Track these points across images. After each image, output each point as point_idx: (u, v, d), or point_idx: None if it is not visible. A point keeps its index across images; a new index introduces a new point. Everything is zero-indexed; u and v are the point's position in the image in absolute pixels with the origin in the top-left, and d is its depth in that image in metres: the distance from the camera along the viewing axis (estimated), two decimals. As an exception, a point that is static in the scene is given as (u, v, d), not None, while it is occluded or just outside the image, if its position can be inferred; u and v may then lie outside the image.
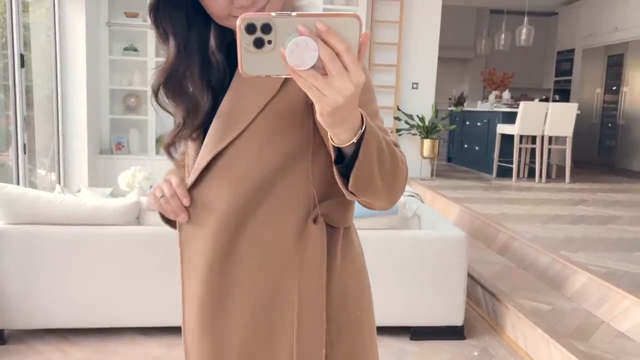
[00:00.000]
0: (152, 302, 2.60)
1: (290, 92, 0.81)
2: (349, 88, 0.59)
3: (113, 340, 2.62)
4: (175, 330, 2.70)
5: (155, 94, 0.87)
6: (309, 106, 0.81)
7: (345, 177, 0.72)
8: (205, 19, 0.85)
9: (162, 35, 0.85)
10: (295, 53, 0.58)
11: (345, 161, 0.71)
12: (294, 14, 0.58)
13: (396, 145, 0.81)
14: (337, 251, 0.88)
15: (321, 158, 0.85)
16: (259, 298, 0.85)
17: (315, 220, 0.85)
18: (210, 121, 0.86)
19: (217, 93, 0.86)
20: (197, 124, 0.87)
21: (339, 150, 0.71)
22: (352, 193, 0.74)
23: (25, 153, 4.09)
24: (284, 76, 0.61)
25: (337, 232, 0.88)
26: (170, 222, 0.96)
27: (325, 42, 0.58)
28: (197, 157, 0.87)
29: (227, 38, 0.87)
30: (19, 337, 2.62)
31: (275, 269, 0.85)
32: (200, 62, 0.86)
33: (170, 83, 0.86)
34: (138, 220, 2.63)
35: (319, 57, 0.58)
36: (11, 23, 3.91)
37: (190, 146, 0.91)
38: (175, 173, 0.98)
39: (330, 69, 0.58)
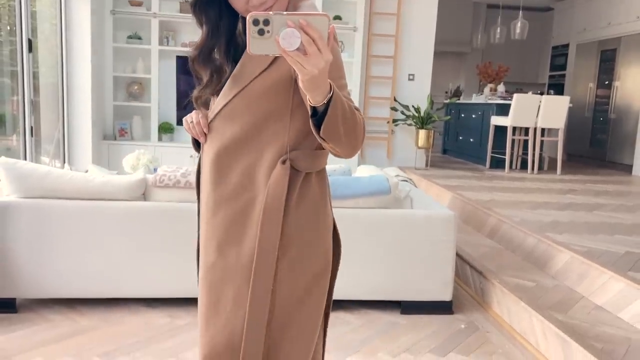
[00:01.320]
0: (156, 274, 2.74)
1: (279, 68, 1.14)
2: (321, 63, 0.90)
3: (119, 310, 2.77)
4: (178, 301, 2.84)
5: (192, 61, 1.22)
6: (292, 79, 1.13)
7: (318, 128, 1.04)
8: (235, 11, 1.19)
9: (199, 21, 1.19)
10: (285, 39, 0.87)
11: (318, 116, 1.03)
12: (285, 13, 0.87)
13: (357, 109, 1.12)
14: (295, 188, 1.18)
15: (296, 117, 1.17)
16: (238, 206, 1.19)
17: (283, 162, 1.17)
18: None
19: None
20: (218, 85, 1.20)
21: (314, 109, 1.03)
22: (322, 139, 1.06)
23: (32, 136, 4.22)
24: (277, 55, 0.90)
25: (299, 175, 1.19)
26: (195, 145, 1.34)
27: (305, 32, 0.87)
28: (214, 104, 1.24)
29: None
30: (30, 306, 2.76)
31: (251, 193, 1.18)
32: (227, 41, 1.21)
33: (201, 55, 1.20)
34: (144, 196, 2.77)
35: (301, 42, 0.87)
36: (20, 10, 4.03)
37: (212, 101, 1.26)
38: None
39: (309, 50, 0.88)
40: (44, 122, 4.97)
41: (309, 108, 1.03)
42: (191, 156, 5.57)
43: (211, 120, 1.23)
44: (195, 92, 1.26)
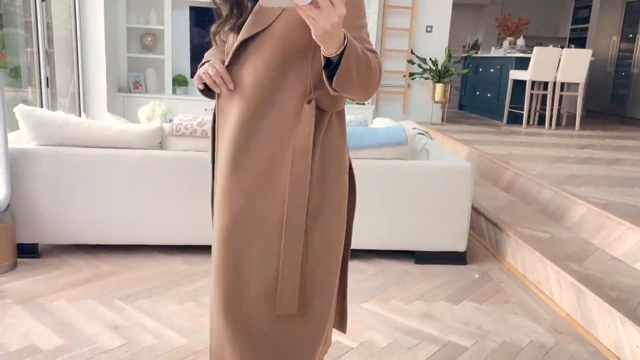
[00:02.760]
0: (173, 221, 2.78)
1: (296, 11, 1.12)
2: (334, 18, 0.89)
3: (137, 256, 2.82)
4: (194, 249, 2.89)
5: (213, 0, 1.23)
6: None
7: (330, 79, 1.03)
8: None
9: None
10: None
11: (331, 66, 1.02)
12: None
13: (373, 52, 1.12)
14: (322, 128, 1.20)
15: (318, 58, 1.12)
16: (267, 153, 1.18)
17: (309, 102, 1.17)
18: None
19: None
20: (238, 20, 1.19)
21: (327, 60, 1.01)
22: (334, 89, 1.05)
23: (48, 87, 4.22)
24: (290, 7, 0.90)
25: (325, 114, 1.20)
26: (207, 94, 1.29)
27: None
28: (230, 45, 1.21)
29: None
30: (51, 251, 2.83)
31: (279, 134, 1.17)
32: None
33: None
34: (161, 145, 2.78)
35: None
36: (31, -43, 3.97)
37: (230, 39, 1.23)
38: (213, 58, 1.28)
39: (322, 4, 0.87)
40: (59, 74, 4.96)
41: (322, 58, 1.01)
42: (205, 109, 5.56)
43: (229, 64, 1.20)
44: (213, 27, 1.25)
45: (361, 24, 1.15)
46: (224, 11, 1.22)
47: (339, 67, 0.99)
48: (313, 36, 0.93)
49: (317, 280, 1.22)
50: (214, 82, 1.20)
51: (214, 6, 1.25)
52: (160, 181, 2.73)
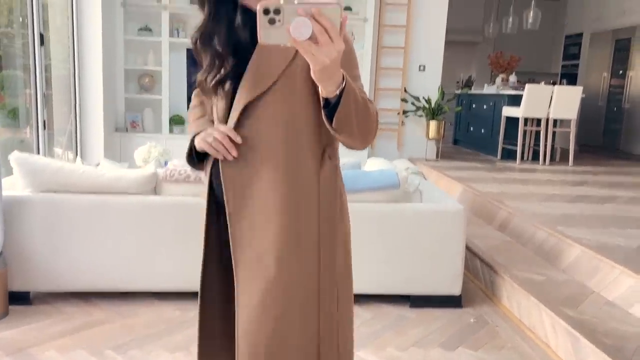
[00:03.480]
0: (168, 267, 2.77)
1: (299, 62, 1.12)
2: (333, 52, 0.88)
3: (132, 303, 2.80)
4: (188, 295, 2.87)
5: (194, 44, 1.20)
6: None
7: (330, 119, 1.03)
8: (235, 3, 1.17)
9: (201, 2, 1.17)
10: (296, 28, 0.85)
11: (330, 107, 1.02)
12: (296, 2, 0.85)
13: (370, 102, 1.12)
14: (337, 178, 1.23)
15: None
16: (291, 216, 1.16)
17: (330, 158, 1.20)
18: (232, 78, 1.17)
19: (241, 58, 1.16)
20: (219, 70, 1.17)
21: (326, 100, 1.01)
22: (334, 130, 1.05)
23: (44, 129, 4.26)
24: (288, 45, 0.87)
25: (336, 164, 1.25)
26: (198, 165, 1.29)
27: (317, 21, 0.85)
28: (227, 109, 1.18)
29: (250, 22, 1.16)
30: (44, 298, 2.81)
31: (301, 195, 1.16)
32: (227, 29, 1.17)
33: (202, 38, 1.18)
34: (155, 190, 2.80)
35: (312, 31, 0.85)
36: (31, 3, 4.05)
37: (220, 100, 1.20)
38: (204, 128, 1.26)
39: (320, 39, 0.86)
40: (57, 114, 5.01)
41: (321, 99, 1.01)
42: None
43: (235, 127, 1.16)
44: (198, 76, 1.24)
45: (355, 75, 1.16)
46: (204, 61, 1.21)
47: (338, 107, 0.99)
48: (312, 74, 0.93)
49: (343, 334, 1.24)
50: (218, 147, 1.16)
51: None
52: (154, 227, 2.74)
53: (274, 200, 1.15)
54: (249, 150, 1.16)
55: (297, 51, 1.12)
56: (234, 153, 1.15)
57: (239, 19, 1.17)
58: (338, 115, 1.00)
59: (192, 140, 1.25)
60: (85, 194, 2.71)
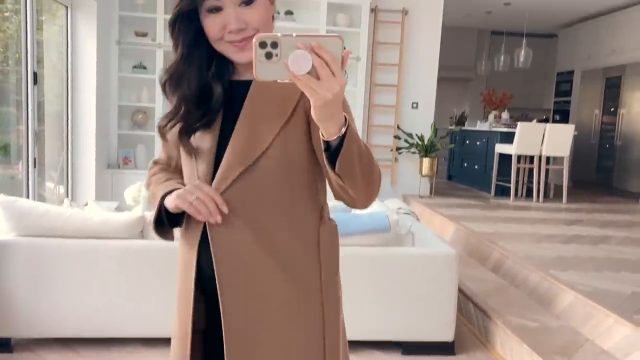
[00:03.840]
0: (155, 313, 2.71)
1: (296, 121, 1.07)
2: (336, 87, 0.81)
3: (117, 350, 2.73)
4: (175, 341, 2.80)
5: (163, 85, 1.13)
6: (309, 132, 1.07)
7: (332, 164, 0.94)
8: (208, 46, 1.09)
9: (175, 43, 1.10)
10: (295, 62, 0.80)
11: (331, 150, 0.93)
12: (294, 34, 0.80)
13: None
14: (337, 240, 1.17)
15: (319, 173, 1.11)
16: (291, 287, 1.09)
17: (328, 217, 1.15)
18: (201, 129, 1.10)
19: (209, 109, 1.09)
20: (183, 117, 1.09)
21: (327, 144, 0.93)
22: (338, 175, 0.95)
23: (35, 167, 4.23)
24: (287, 80, 0.82)
25: (335, 225, 1.18)
26: (167, 235, 1.17)
27: (317, 55, 0.79)
28: (211, 172, 1.08)
29: (227, 74, 1.12)
30: (26, 345, 2.73)
31: (298, 261, 1.10)
32: (197, 75, 1.10)
33: (172, 79, 1.11)
34: (142, 234, 2.76)
35: (312, 65, 0.80)
36: (25, 41, 4.07)
37: (201, 163, 1.10)
38: (175, 181, 1.18)
39: (321, 73, 0.80)
40: (50, 148, 4.99)
41: (321, 143, 0.94)
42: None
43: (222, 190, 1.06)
44: (161, 120, 1.15)
45: (349, 119, 1.12)
46: (171, 104, 1.13)
47: (341, 149, 0.91)
48: (312, 113, 0.86)
49: None
50: (201, 207, 1.03)
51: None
52: (140, 272, 2.69)
53: (273, 271, 1.07)
54: (237, 217, 1.06)
55: (295, 106, 1.06)
56: (218, 218, 1.04)
57: (212, 68, 1.11)
58: (341, 158, 0.92)
59: (162, 200, 1.12)
60: (71, 238, 2.66)
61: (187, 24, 1.07)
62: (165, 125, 1.12)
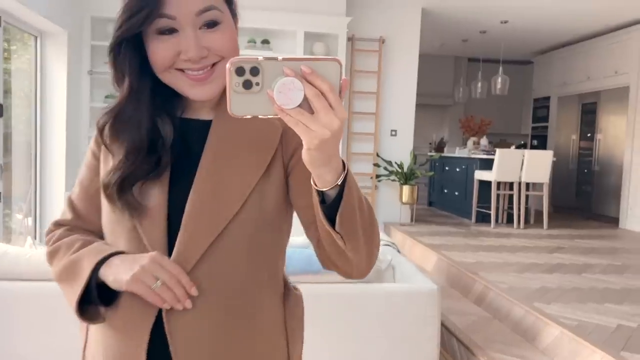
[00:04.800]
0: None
1: (274, 170, 0.88)
2: (335, 122, 0.65)
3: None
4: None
5: (101, 130, 0.89)
6: (285, 186, 0.90)
7: (329, 220, 0.76)
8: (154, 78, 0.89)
9: (119, 77, 0.88)
10: (283, 92, 0.63)
11: (327, 203, 0.75)
12: (280, 57, 0.64)
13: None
14: (302, 310, 1.01)
15: (288, 229, 0.95)
16: None
17: (294, 286, 1.00)
18: (152, 173, 0.87)
19: (157, 161, 0.88)
20: (135, 168, 0.86)
21: (321, 195, 0.75)
22: (338, 234, 0.76)
23: (0, 201, 4.06)
24: (271, 116, 0.65)
25: (300, 293, 1.03)
26: (97, 317, 0.90)
27: (310, 83, 0.63)
28: (165, 239, 0.86)
29: (175, 111, 0.92)
30: (-19, 396, 2.54)
31: (266, 339, 0.92)
32: (148, 112, 0.88)
33: (117, 123, 0.88)
34: (108, 275, 2.60)
35: (304, 96, 0.64)
36: (-9, 73, 3.94)
37: (150, 225, 0.86)
38: (103, 245, 0.92)
39: (317, 106, 0.64)
40: (18, 177, 4.82)
41: (314, 194, 0.75)
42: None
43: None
44: (103, 176, 0.89)
45: None
46: (116, 155, 0.87)
47: (342, 201, 0.73)
48: (304, 156, 0.69)
49: None
50: (166, 295, 0.82)
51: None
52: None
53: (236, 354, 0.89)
54: (205, 300, 0.85)
55: (275, 150, 0.87)
56: (188, 304, 0.83)
57: (157, 103, 0.90)
58: (342, 213, 0.73)
59: (94, 273, 0.85)
60: (32, 281, 2.50)
61: (133, 50, 0.85)
62: (111, 183, 0.86)
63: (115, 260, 0.85)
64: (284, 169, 0.89)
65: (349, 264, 0.82)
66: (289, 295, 0.96)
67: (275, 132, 0.87)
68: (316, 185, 0.73)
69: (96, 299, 0.86)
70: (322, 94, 0.63)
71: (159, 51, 0.83)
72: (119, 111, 0.87)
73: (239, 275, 0.86)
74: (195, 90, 0.85)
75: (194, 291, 0.83)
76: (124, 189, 0.86)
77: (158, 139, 0.88)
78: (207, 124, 0.90)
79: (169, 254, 0.85)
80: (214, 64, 0.85)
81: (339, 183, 0.72)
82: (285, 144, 0.89)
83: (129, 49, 0.85)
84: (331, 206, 0.74)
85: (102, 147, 0.92)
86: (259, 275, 0.89)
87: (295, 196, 0.89)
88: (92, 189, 0.94)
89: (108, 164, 0.89)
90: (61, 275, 0.93)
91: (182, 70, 0.85)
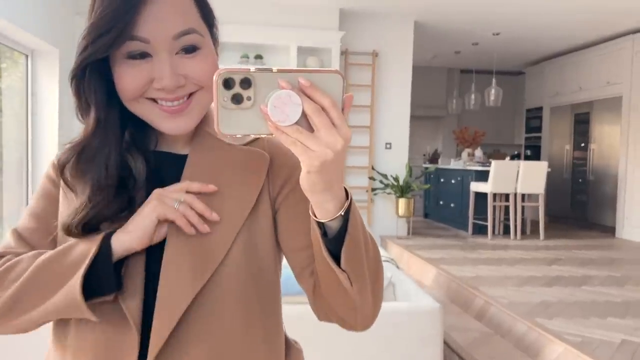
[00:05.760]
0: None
1: (263, 206, 0.77)
2: (339, 142, 0.57)
3: None
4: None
5: (62, 167, 0.77)
6: (274, 228, 0.79)
7: (333, 256, 0.67)
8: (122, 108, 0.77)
9: (84, 107, 0.76)
10: (278, 107, 0.56)
11: (328, 237, 0.66)
12: (274, 69, 0.57)
13: None
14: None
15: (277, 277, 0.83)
16: None
17: (294, 340, 0.88)
18: (123, 213, 0.75)
19: (131, 199, 0.77)
20: (100, 210, 0.73)
21: (322, 226, 0.66)
22: (344, 272, 0.66)
23: (-10, 223, 3.98)
24: (265, 135, 0.58)
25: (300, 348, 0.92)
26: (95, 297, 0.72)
27: (309, 97, 0.56)
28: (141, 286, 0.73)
29: (147, 144, 0.81)
30: None
31: None
32: (117, 146, 0.76)
33: (83, 158, 0.75)
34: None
35: (303, 112, 0.56)
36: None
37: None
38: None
39: (317, 123, 0.56)
40: (10, 194, 4.75)
41: (314, 227, 0.66)
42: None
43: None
44: (65, 218, 0.75)
45: None
46: (81, 195, 0.74)
47: (347, 234, 0.64)
48: (302, 181, 0.61)
49: None
50: (188, 213, 0.72)
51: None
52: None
53: None
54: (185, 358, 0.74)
55: (262, 183, 0.76)
56: (205, 228, 0.72)
57: (126, 136, 0.78)
58: (348, 248, 0.64)
59: (105, 243, 0.72)
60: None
61: (99, 75, 0.74)
62: (75, 224, 0.73)
63: (124, 227, 0.73)
64: (271, 206, 0.78)
65: (353, 312, 0.71)
66: (289, 355, 0.85)
67: (262, 163, 0.76)
68: (316, 217, 0.65)
69: (110, 267, 0.70)
70: (323, 109, 0.56)
71: (128, 77, 0.72)
72: (84, 146, 0.75)
73: (230, 335, 0.74)
74: (168, 124, 0.74)
75: (214, 216, 0.73)
76: (89, 229, 0.74)
77: (129, 177, 0.76)
78: (182, 159, 0.79)
79: (148, 302, 0.73)
80: (190, 94, 0.74)
81: (342, 213, 0.63)
82: (273, 176, 0.78)
83: (95, 74, 0.74)
84: (332, 241, 0.66)
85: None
86: (253, 332, 0.76)
87: (285, 237, 0.78)
88: (50, 220, 0.80)
89: (70, 202, 0.77)
90: (34, 278, 0.72)
91: (154, 100, 0.74)
